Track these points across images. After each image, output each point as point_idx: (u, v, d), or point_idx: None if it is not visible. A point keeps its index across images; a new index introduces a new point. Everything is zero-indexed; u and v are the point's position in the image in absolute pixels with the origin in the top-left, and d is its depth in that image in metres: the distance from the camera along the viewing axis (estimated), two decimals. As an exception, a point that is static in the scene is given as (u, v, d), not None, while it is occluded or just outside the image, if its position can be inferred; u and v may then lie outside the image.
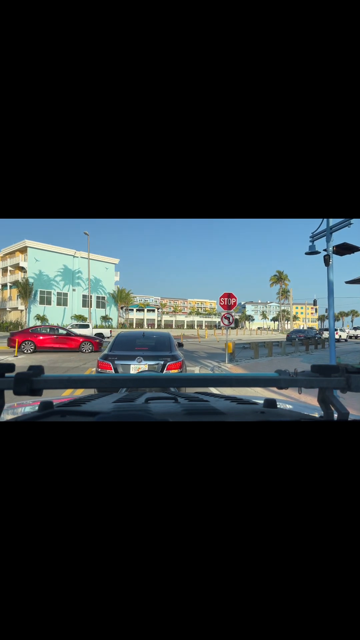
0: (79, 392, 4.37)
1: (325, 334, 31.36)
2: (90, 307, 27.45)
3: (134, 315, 55.40)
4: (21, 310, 34.10)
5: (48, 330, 14.36)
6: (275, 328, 69.07)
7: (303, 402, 1.50)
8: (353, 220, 6.50)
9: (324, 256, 6.60)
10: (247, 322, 73.20)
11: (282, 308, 67.28)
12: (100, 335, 19.76)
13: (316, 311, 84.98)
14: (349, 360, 11.26)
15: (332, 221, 6.72)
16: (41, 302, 35.08)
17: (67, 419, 0.74)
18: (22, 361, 10.36)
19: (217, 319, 65.87)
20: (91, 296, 38.30)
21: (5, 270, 36.77)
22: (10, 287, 35.69)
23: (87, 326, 21.10)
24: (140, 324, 54.33)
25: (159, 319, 59.15)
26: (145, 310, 57.99)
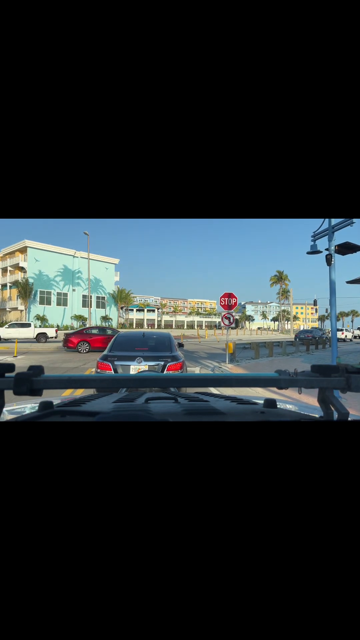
0: (79, 393, 4.36)
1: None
2: (90, 307, 27.46)
3: (134, 316, 55.43)
4: (21, 311, 34.12)
5: (97, 330, 15.64)
6: (276, 328, 69.06)
7: (303, 402, 1.48)
8: (355, 220, 6.50)
9: (326, 255, 6.60)
10: (247, 322, 73.22)
11: (282, 308, 67.25)
12: (43, 335, 19.28)
13: (316, 311, 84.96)
14: (349, 361, 11.26)
15: (334, 220, 6.72)
16: (41, 302, 35.11)
17: (67, 419, 0.74)
18: (22, 361, 10.36)
19: (217, 319, 65.93)
20: (91, 296, 38.31)
21: (5, 270, 36.78)
22: (10, 287, 35.71)
23: (28, 325, 19.79)
24: (140, 324, 54.35)
25: (159, 319, 59.17)
26: (145, 310, 58.02)
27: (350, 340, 32.44)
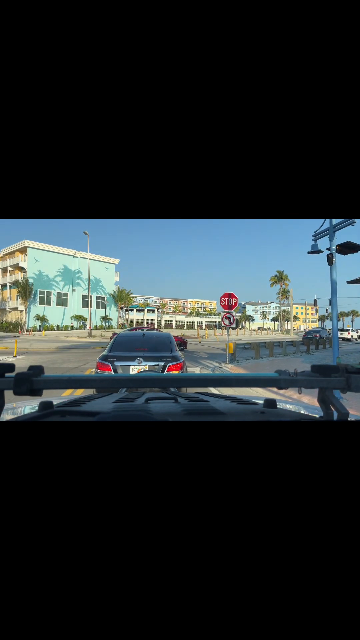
0: (79, 393, 4.32)
1: (339, 334, 31.97)
2: (90, 307, 27.46)
3: (134, 316, 55.42)
4: (21, 311, 34.12)
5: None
6: (276, 328, 69.02)
7: (303, 402, 1.48)
8: (356, 219, 6.50)
9: (327, 255, 6.60)
10: (247, 323, 73.17)
11: (282, 308, 67.22)
12: None
13: (316, 311, 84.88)
14: (349, 361, 11.25)
15: (335, 220, 6.72)
16: (41, 303, 35.11)
17: (67, 419, 0.74)
18: (22, 361, 10.36)
19: (217, 319, 65.89)
20: (91, 296, 38.31)
21: (5, 270, 36.79)
22: (10, 287, 35.72)
23: None
24: (140, 324, 54.28)
25: (159, 319, 59.16)
26: (145, 310, 58.02)
27: (357, 339, 32.59)
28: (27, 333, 28.74)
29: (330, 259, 6.54)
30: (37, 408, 0.88)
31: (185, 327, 57.71)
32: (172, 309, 79.33)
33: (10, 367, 0.68)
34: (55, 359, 11.56)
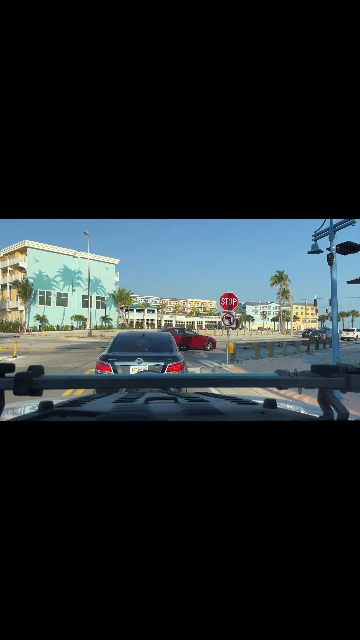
0: (79, 393, 4.33)
1: (344, 334, 32.17)
2: (90, 307, 27.44)
3: (134, 316, 55.41)
4: (21, 311, 34.11)
5: (177, 331, 17.41)
6: (276, 328, 68.99)
7: (303, 402, 1.48)
8: (356, 219, 6.50)
9: (328, 255, 6.60)
10: (247, 323, 73.14)
11: (282, 308, 67.19)
12: None
13: (316, 311, 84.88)
14: (349, 361, 11.24)
15: (336, 219, 6.72)
16: (41, 303, 35.11)
17: (67, 419, 0.74)
18: (22, 361, 10.36)
19: (217, 319, 65.78)
20: (91, 296, 38.30)
21: (5, 270, 36.79)
22: (10, 287, 35.71)
23: None
24: (140, 324, 54.29)
25: (159, 319, 59.12)
26: (145, 310, 58.00)
27: None
28: (27, 333, 28.73)
29: (330, 259, 6.54)
30: (37, 408, 0.88)
31: (185, 327, 57.65)
32: (172, 309, 79.32)
33: (10, 367, 0.68)
34: (55, 359, 11.57)
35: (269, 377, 0.73)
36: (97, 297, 40.10)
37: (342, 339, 31.73)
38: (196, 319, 65.37)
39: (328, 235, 6.77)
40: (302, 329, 65.34)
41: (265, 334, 44.10)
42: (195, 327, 59.46)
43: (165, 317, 62.65)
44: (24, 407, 1.17)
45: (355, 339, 31.55)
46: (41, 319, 33.88)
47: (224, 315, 10.92)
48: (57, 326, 35.33)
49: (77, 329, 35.09)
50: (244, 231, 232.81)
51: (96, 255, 39.71)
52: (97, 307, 39.93)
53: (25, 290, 32.34)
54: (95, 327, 36.91)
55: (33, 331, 31.12)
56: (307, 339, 21.04)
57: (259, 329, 60.19)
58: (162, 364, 4.41)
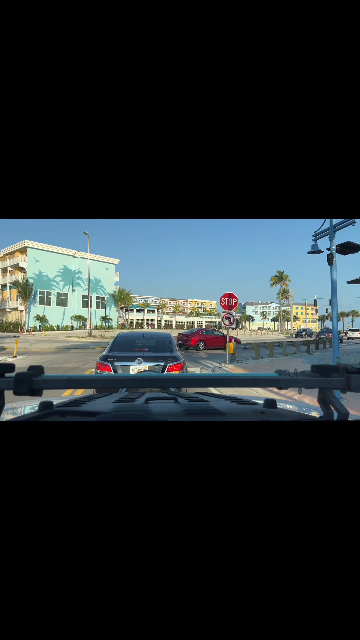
0: (79, 393, 4.32)
1: (350, 334, 32.34)
2: (90, 307, 27.43)
3: (134, 316, 55.39)
4: (21, 311, 34.11)
5: (205, 332, 17.60)
6: (276, 328, 68.91)
7: (303, 402, 1.48)
8: (356, 219, 6.50)
9: (328, 255, 6.60)
10: (247, 323, 73.08)
11: (282, 308, 67.14)
12: None
13: (316, 311, 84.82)
14: (349, 361, 11.21)
15: (336, 219, 6.72)
16: (41, 303, 35.09)
17: (67, 419, 0.74)
18: (22, 361, 10.36)
19: (217, 319, 65.70)
20: (91, 296, 38.26)
21: (5, 270, 36.79)
22: (10, 287, 35.71)
23: None
24: (140, 324, 54.25)
25: (159, 319, 59.07)
26: (145, 310, 57.95)
27: None
28: (27, 333, 28.72)
29: (330, 259, 6.54)
30: (37, 408, 0.88)
31: (186, 328, 57.63)
32: (172, 309, 79.29)
33: (10, 367, 0.68)
34: (55, 359, 11.57)
35: (269, 377, 0.74)
36: (97, 297, 40.09)
37: (348, 338, 31.83)
38: (196, 319, 65.28)
39: (328, 236, 6.77)
40: (300, 328, 65.06)
41: (266, 334, 44.05)
42: (196, 327, 59.41)
43: (166, 317, 62.61)
44: (24, 407, 1.17)
45: None
46: (41, 319, 33.88)
47: (224, 315, 10.91)
48: (57, 326, 35.33)
49: (77, 329, 35.10)
50: (244, 231, 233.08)
51: (96, 255, 39.70)
52: (97, 307, 39.94)
53: (25, 291, 32.34)
54: (96, 327, 36.85)
55: (33, 331, 31.12)
56: (300, 339, 21.27)
57: (259, 329, 60.14)
58: (162, 364, 4.41)
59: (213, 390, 3.71)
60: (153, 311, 59.45)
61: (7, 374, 0.67)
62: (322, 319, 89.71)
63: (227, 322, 10.85)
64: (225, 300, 10.87)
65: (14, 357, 11.97)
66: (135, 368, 4.36)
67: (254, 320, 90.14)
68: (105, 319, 39.84)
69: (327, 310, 65.76)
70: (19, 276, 34.63)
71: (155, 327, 54.90)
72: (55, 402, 0.99)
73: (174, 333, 33.44)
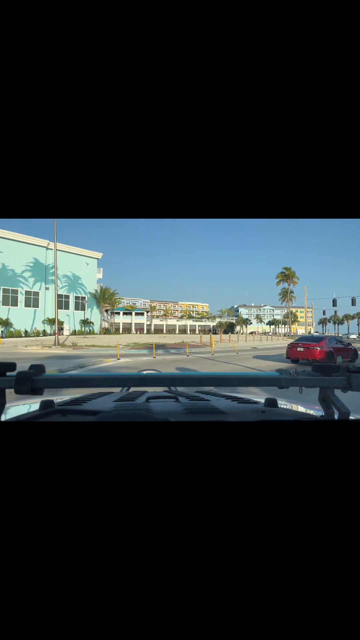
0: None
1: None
2: (57, 308, 21.07)
3: (121, 319, 49.74)
4: (-22, 313, 27.37)
5: (336, 341, 14.72)
6: (270, 331, 63.44)
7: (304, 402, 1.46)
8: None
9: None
10: (243, 327, 67.41)
11: (290, 310, 61.85)
12: None
13: (324, 313, 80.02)
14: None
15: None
16: (5, 303, 29.90)
17: (68, 418, 0.78)
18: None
19: (211, 323, 59.99)
20: (66, 295, 31.90)
21: None
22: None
23: None
24: (127, 328, 48.64)
25: (149, 323, 53.15)
26: (133, 313, 52.02)
27: None
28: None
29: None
30: (38, 407, 0.90)
31: (177, 332, 52.27)
32: (162, 312, 73.25)
33: (12, 365, 0.70)
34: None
35: (270, 376, 0.75)
36: (75, 296, 34.55)
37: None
38: (189, 322, 59.87)
39: None
40: (299, 332, 59.93)
41: (277, 340, 37.59)
42: (188, 332, 53.49)
43: (156, 321, 56.94)
44: (25, 405, 1.15)
45: None
46: (4, 322, 27.48)
47: None
48: (26, 331, 29.07)
49: (51, 335, 28.50)
50: (244, 231, 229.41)
51: (75, 247, 34.33)
52: (76, 308, 34.65)
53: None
54: (74, 333, 30.62)
55: (-10, 338, 24.41)
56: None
57: (251, 333, 54.00)
58: None
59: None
60: (142, 314, 54.44)
61: (8, 373, 0.69)
62: (323, 322, 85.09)
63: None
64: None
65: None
66: None
67: (251, 323, 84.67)
68: (85, 322, 33.61)
69: (324, 312, 61.13)
70: (-26, 270, 27.93)
71: (145, 331, 48.58)
72: (57, 400, 1.02)
73: (185, 339, 26.47)
